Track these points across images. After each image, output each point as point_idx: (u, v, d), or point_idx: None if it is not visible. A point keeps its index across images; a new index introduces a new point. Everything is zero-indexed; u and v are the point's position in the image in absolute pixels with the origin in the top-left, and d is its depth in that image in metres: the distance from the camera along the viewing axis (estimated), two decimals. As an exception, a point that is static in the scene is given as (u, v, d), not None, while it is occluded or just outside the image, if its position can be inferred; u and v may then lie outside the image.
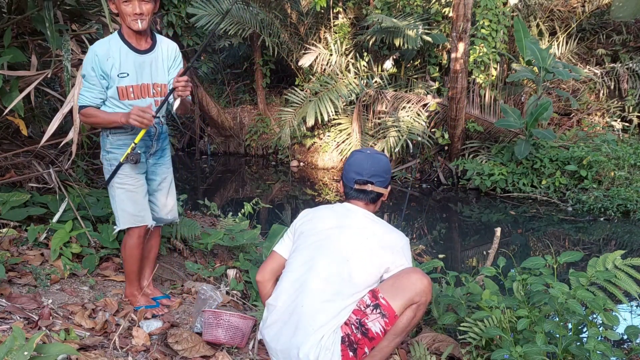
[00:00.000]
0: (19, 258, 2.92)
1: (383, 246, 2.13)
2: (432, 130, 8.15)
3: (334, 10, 9.18)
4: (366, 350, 2.05)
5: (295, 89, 9.35)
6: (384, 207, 7.18)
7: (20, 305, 2.45)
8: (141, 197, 2.64)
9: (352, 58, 9.10)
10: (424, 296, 2.06)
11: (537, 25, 9.33)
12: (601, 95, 8.78)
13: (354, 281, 2.07)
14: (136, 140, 2.50)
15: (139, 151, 2.52)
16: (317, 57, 9.01)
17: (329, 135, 9.20)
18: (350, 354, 2.02)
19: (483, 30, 7.93)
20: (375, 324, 2.03)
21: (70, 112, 3.13)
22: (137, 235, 2.67)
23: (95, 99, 2.50)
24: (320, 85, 8.86)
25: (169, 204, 2.82)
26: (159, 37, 2.64)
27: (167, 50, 2.63)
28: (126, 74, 2.49)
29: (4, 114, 3.26)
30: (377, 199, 2.26)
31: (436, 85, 8.78)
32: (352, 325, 2.03)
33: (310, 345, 1.98)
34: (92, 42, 3.17)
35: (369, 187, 2.21)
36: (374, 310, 2.04)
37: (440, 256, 4.60)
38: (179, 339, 2.36)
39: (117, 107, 2.53)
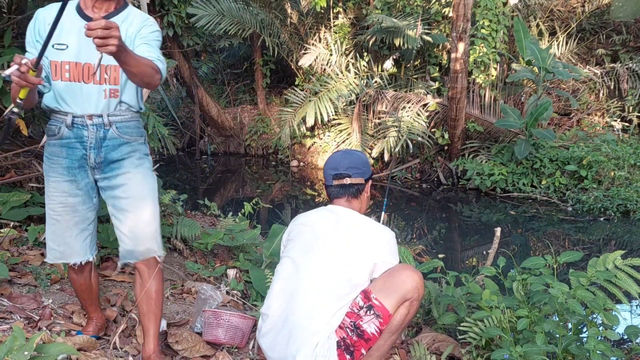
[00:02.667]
0: (19, 258, 2.92)
1: (368, 243, 2.12)
2: (432, 130, 8.15)
3: (334, 10, 9.18)
4: (363, 351, 2.04)
5: (295, 89, 9.35)
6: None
7: (21, 305, 2.45)
8: (63, 229, 2.02)
9: (352, 58, 9.10)
10: (416, 292, 2.05)
11: (537, 25, 9.34)
12: (601, 95, 8.79)
13: (343, 282, 2.05)
14: (21, 95, 1.65)
15: (15, 112, 1.71)
16: (317, 57, 9.02)
17: (329, 135, 9.20)
18: (347, 357, 2.01)
19: (483, 30, 7.94)
20: (370, 325, 2.02)
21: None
22: (71, 269, 2.14)
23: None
24: (320, 86, 8.86)
25: (136, 231, 2.02)
26: (130, 7, 1.99)
27: (129, 21, 1.94)
28: (65, 45, 1.88)
29: (4, 113, 3.26)
30: (357, 193, 2.23)
31: (436, 85, 8.78)
32: (347, 329, 2.01)
33: (305, 354, 1.95)
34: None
35: (347, 181, 2.20)
36: (368, 311, 2.03)
37: (440, 256, 4.58)
38: (179, 338, 2.37)
39: (52, 90, 1.94)
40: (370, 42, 8.51)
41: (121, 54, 1.59)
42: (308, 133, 9.30)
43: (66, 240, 2.04)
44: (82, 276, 2.17)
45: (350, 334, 2.01)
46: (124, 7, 1.97)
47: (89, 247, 2.11)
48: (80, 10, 1.92)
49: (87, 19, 1.87)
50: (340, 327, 2.01)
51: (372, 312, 2.03)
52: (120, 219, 2.03)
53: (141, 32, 1.94)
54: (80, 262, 2.09)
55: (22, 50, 3.42)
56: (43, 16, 1.92)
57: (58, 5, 1.80)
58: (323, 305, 2.01)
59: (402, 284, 2.04)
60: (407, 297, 2.04)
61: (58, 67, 1.90)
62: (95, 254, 2.17)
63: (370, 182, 2.27)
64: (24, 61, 1.61)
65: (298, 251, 2.15)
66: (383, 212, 2.83)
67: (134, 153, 2.02)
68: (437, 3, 8.73)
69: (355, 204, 2.24)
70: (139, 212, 2.01)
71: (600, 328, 2.11)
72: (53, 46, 1.88)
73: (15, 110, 1.70)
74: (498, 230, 3.46)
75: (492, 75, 8.16)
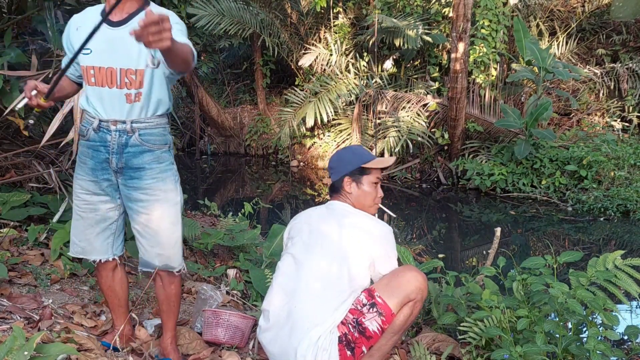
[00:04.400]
0: (19, 258, 2.92)
1: (364, 237, 2.14)
2: (432, 130, 8.15)
3: (334, 10, 9.18)
4: (364, 349, 2.05)
5: (295, 89, 9.35)
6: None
7: (21, 305, 2.45)
8: (85, 226, 2.07)
9: (352, 58, 9.10)
10: (420, 293, 2.07)
11: (537, 25, 9.34)
12: (601, 95, 8.78)
13: (344, 276, 2.07)
14: (36, 110, 1.86)
15: (35, 120, 1.88)
16: (317, 57, 9.02)
17: (329, 135, 9.20)
18: (348, 353, 2.02)
19: (483, 30, 7.94)
20: (372, 323, 2.04)
21: (71, 112, 3.13)
22: (97, 268, 2.20)
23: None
24: (320, 86, 8.86)
25: (155, 247, 2.05)
26: (152, 6, 1.94)
27: None
28: (89, 50, 1.88)
29: (4, 114, 3.26)
30: (338, 190, 2.26)
31: (436, 85, 8.78)
32: (349, 325, 2.03)
33: (306, 346, 1.97)
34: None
35: (329, 181, 2.33)
36: (371, 309, 2.05)
37: (440, 256, 4.60)
38: (180, 338, 2.37)
39: (85, 92, 2.00)
40: (370, 42, 8.51)
41: (172, 44, 1.50)
42: (308, 133, 9.30)
43: (87, 237, 2.08)
44: (102, 274, 2.20)
45: (352, 330, 2.02)
46: (146, 5, 1.95)
47: (110, 246, 2.13)
48: (104, 12, 1.93)
49: (110, 23, 1.87)
50: (342, 322, 2.03)
51: (374, 309, 2.04)
52: (141, 232, 2.06)
53: None
54: (100, 260, 2.13)
55: (22, 50, 3.43)
56: (75, 21, 1.97)
57: (92, 10, 1.98)
58: (325, 299, 2.03)
59: (406, 284, 2.06)
60: (410, 297, 2.05)
61: (85, 71, 1.93)
62: (119, 255, 2.18)
63: (346, 177, 2.23)
64: (33, 93, 1.73)
65: (298, 248, 2.17)
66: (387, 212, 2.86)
67: (156, 164, 2.00)
68: (437, 3, 8.73)
69: (347, 199, 2.25)
70: (158, 229, 2.03)
71: (600, 328, 2.11)
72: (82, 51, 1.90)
73: (31, 121, 1.96)
74: (498, 230, 3.45)
75: (492, 75, 8.16)
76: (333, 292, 2.05)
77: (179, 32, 1.88)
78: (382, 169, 2.30)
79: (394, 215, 2.43)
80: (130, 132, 1.95)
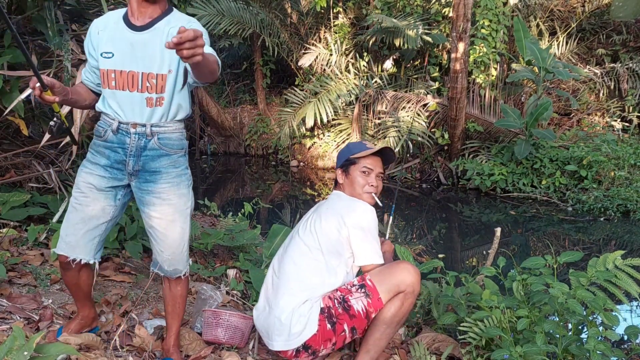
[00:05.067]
0: (19, 258, 2.92)
1: (343, 213, 2.24)
2: (432, 130, 8.15)
3: (334, 10, 9.18)
4: (345, 327, 2.12)
5: (295, 89, 9.35)
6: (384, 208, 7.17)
7: (21, 305, 2.45)
8: (77, 220, 2.02)
9: (352, 58, 9.10)
10: (411, 287, 2.12)
11: (537, 25, 9.34)
12: (601, 95, 8.79)
13: (323, 248, 2.20)
14: (55, 109, 1.89)
15: (56, 122, 1.89)
16: (317, 57, 9.01)
17: (329, 136, 9.20)
18: (328, 326, 2.10)
19: (483, 30, 7.94)
20: (358, 302, 2.12)
21: (71, 112, 3.13)
22: (63, 263, 2.08)
23: (83, 75, 2.07)
24: (320, 86, 8.86)
25: (165, 251, 2.06)
26: (174, 12, 1.96)
27: (176, 26, 1.89)
28: (111, 53, 1.91)
29: (4, 114, 3.26)
30: (336, 182, 2.45)
31: (436, 85, 8.78)
32: (335, 300, 2.14)
33: (283, 311, 2.11)
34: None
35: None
36: (359, 289, 2.14)
37: (440, 256, 4.59)
38: (180, 338, 2.36)
39: (103, 96, 2.01)
40: (370, 42, 8.51)
41: (202, 59, 1.53)
42: (308, 133, 9.30)
43: (75, 232, 2.04)
44: (69, 274, 2.12)
45: (336, 305, 2.13)
46: (169, 11, 1.96)
47: (94, 248, 2.10)
48: (126, 19, 1.94)
49: (133, 27, 1.91)
50: (329, 297, 2.15)
51: (362, 290, 2.14)
52: (153, 235, 2.08)
53: None
54: (80, 260, 2.07)
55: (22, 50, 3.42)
56: (96, 25, 1.98)
57: (112, 13, 2.00)
58: (306, 268, 2.18)
59: (397, 274, 2.13)
60: (400, 288, 2.11)
61: (105, 75, 1.94)
62: (98, 260, 2.16)
63: (339, 170, 2.42)
64: (37, 85, 1.75)
65: (292, 232, 2.40)
66: (391, 215, 2.86)
67: (173, 168, 2.01)
68: (437, 3, 8.73)
69: (341, 189, 2.40)
70: (168, 233, 2.05)
71: (601, 328, 2.11)
72: (102, 54, 1.93)
73: (52, 123, 1.89)
74: (498, 230, 3.45)
75: (492, 75, 8.16)
76: (310, 266, 2.18)
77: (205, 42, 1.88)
78: (381, 160, 2.41)
79: (381, 205, 2.46)
80: (150, 136, 1.97)
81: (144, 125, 1.96)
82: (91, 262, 2.11)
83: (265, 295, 2.29)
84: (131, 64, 1.91)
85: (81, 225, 2.03)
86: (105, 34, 1.93)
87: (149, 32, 1.90)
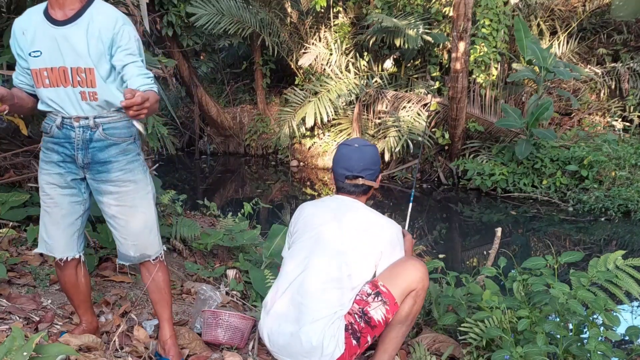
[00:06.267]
0: (19, 258, 2.92)
1: (374, 235, 2.16)
2: (433, 130, 8.14)
3: (334, 10, 9.17)
4: (368, 339, 2.09)
5: (295, 88, 9.34)
6: (384, 208, 7.18)
7: (20, 305, 2.44)
8: (52, 222, 2.03)
9: (352, 57, 9.09)
10: (421, 282, 2.12)
11: (538, 25, 9.33)
12: (602, 95, 8.78)
13: (352, 273, 2.09)
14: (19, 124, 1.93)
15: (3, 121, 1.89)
16: (317, 56, 9.01)
17: (329, 135, 9.19)
18: (354, 342, 2.05)
19: (484, 30, 7.93)
20: (377, 312, 2.08)
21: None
22: (56, 265, 2.13)
23: (16, 80, 2.00)
24: (320, 86, 8.85)
25: (128, 237, 2.05)
26: (96, 2, 1.91)
27: (98, 22, 1.86)
28: (39, 52, 1.87)
29: (4, 114, 3.25)
30: (367, 190, 2.28)
31: (436, 84, 8.77)
32: (355, 315, 2.07)
33: (314, 333, 2.00)
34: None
35: (360, 181, 2.23)
36: (376, 297, 2.09)
37: (441, 256, 4.58)
38: (179, 338, 2.35)
39: (39, 96, 1.97)
40: (371, 42, 8.50)
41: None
42: (308, 133, 9.29)
43: (53, 234, 2.05)
44: (66, 273, 2.15)
45: (358, 320, 2.07)
46: (90, 1, 1.91)
47: (76, 244, 2.10)
48: (47, 14, 1.89)
49: (54, 22, 1.86)
50: (349, 313, 2.08)
51: (379, 298, 2.09)
52: (113, 225, 2.06)
53: (120, 41, 1.88)
54: (67, 258, 2.09)
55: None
56: (19, 26, 1.92)
57: (32, 10, 1.93)
58: (331, 294, 2.06)
59: (407, 274, 2.11)
60: (412, 287, 2.10)
61: (37, 74, 1.91)
62: (82, 253, 2.16)
63: (379, 177, 2.32)
64: None
65: (306, 243, 2.18)
66: (410, 202, 2.86)
67: (124, 156, 1.99)
68: (437, 2, 8.72)
69: (363, 197, 2.28)
70: (131, 220, 2.03)
71: (601, 328, 2.10)
72: (30, 54, 1.89)
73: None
74: (499, 231, 3.45)
75: (493, 75, 8.15)
76: (341, 288, 2.07)
77: (136, 50, 1.92)
78: None
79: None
80: (94, 127, 1.94)
81: (86, 118, 1.94)
82: (77, 256, 2.12)
83: (281, 311, 2.10)
84: (60, 60, 1.87)
85: (56, 227, 2.04)
86: (30, 33, 1.88)
87: (70, 26, 1.86)
